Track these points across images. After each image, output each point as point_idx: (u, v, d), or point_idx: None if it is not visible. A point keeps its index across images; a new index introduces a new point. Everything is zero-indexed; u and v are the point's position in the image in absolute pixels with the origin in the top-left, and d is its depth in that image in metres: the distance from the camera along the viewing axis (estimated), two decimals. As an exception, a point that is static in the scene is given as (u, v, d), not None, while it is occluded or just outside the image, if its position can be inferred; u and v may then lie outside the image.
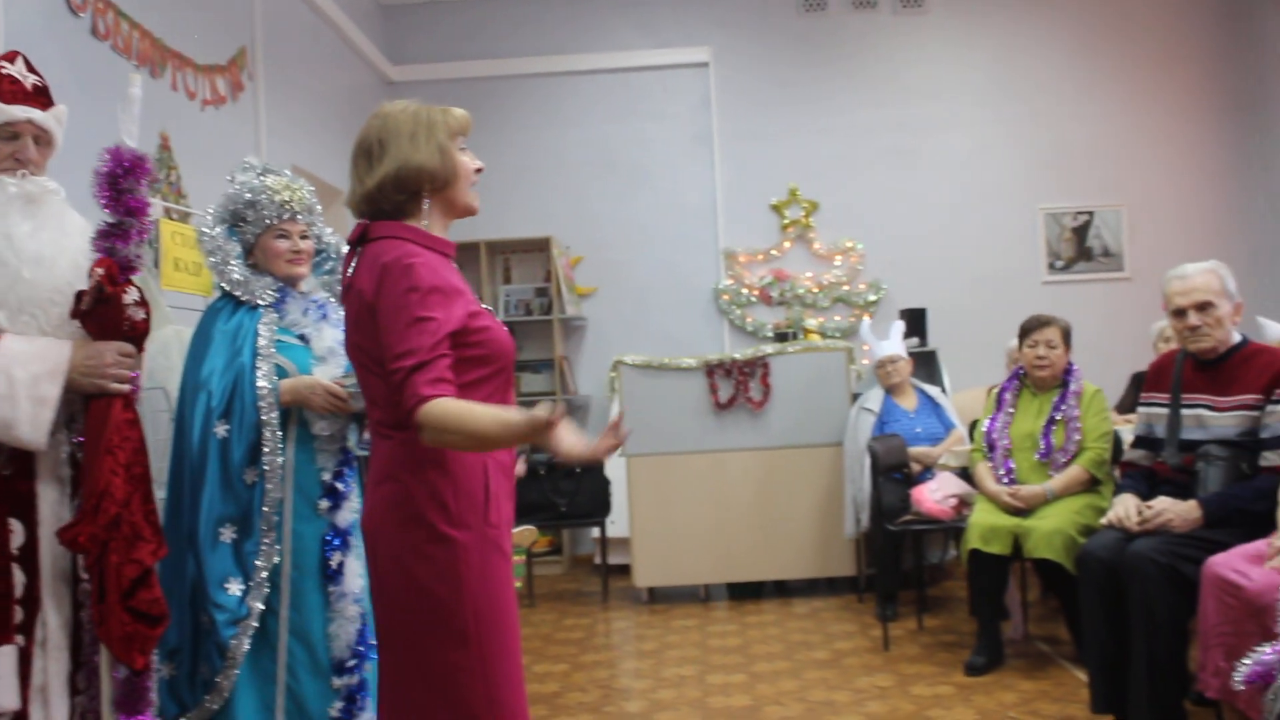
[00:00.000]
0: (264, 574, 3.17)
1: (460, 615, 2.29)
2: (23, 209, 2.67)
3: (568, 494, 7.20)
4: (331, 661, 3.25)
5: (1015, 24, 8.72)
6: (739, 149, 8.75)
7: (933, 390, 6.79)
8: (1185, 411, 4.05)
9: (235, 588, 3.14)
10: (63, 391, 2.57)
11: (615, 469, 7.31)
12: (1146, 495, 4.05)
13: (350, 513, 3.34)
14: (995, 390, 5.46)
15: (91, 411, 2.62)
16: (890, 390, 6.61)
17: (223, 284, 3.35)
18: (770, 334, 8.48)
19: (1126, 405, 6.50)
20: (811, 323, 8.55)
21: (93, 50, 4.55)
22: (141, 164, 2.68)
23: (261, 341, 3.27)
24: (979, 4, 8.74)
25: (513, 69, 8.83)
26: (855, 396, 6.87)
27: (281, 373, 3.27)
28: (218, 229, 3.35)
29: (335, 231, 3.66)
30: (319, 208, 3.52)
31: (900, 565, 6.33)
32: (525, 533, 6.60)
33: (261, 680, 3.18)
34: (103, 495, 2.55)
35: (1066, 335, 5.21)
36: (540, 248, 8.65)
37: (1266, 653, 2.44)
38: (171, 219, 4.48)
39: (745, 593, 7.09)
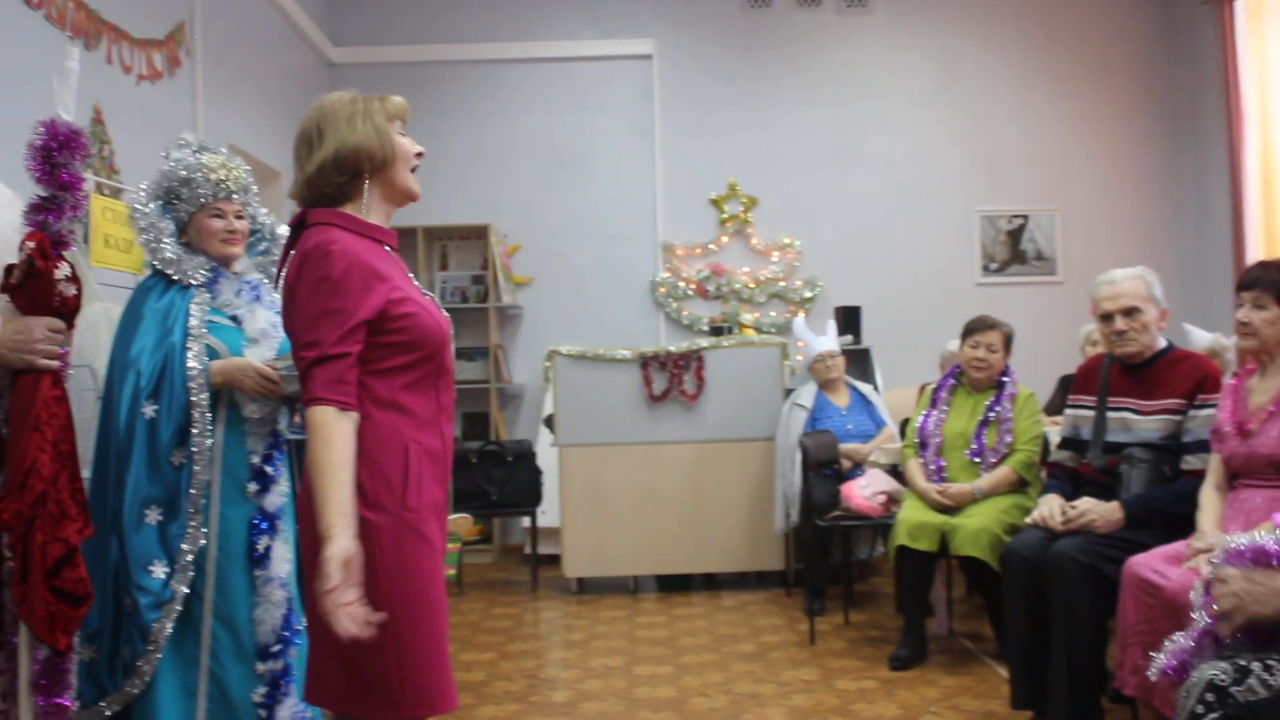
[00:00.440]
0: (189, 557, 3.13)
1: (372, 597, 2.25)
2: (-51, 181, 2.62)
3: (499, 483, 7.19)
4: (256, 646, 3.22)
5: (957, 28, 8.80)
6: (680, 142, 8.77)
7: (865, 388, 6.85)
8: (1111, 414, 4.12)
9: (159, 570, 3.10)
10: (-11, 366, 2.53)
11: (547, 459, 7.31)
12: (1071, 496, 4.11)
13: (279, 496, 3.31)
14: (930, 387, 5.52)
15: (19, 387, 2.58)
16: (823, 386, 6.66)
17: (154, 262, 3.29)
18: (706, 328, 8.51)
19: (1054, 407, 6.60)
20: (747, 317, 8.59)
21: (26, 20, 4.46)
22: (77, 138, 2.63)
23: (193, 322, 3.23)
24: (922, 6, 8.81)
25: (456, 54, 8.78)
26: (788, 392, 6.91)
27: (212, 354, 3.23)
28: (151, 206, 3.30)
29: (270, 212, 3.62)
30: (255, 188, 3.48)
31: (828, 560, 6.38)
32: (461, 520, 6.60)
33: (184, 664, 3.14)
34: (29, 472, 2.50)
35: (1008, 340, 5.28)
36: (478, 235, 8.62)
37: (1181, 642, 2.48)
38: (103, 194, 4.41)
39: (674, 585, 7.12)
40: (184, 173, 3.30)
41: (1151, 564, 3.39)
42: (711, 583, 7.19)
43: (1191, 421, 3.93)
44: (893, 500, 5.48)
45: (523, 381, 8.76)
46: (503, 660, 5.42)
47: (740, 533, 6.93)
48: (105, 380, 3.29)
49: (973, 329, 5.30)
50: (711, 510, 6.93)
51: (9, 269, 2.59)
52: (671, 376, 6.91)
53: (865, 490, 5.55)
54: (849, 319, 7.90)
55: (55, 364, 2.60)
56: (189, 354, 3.18)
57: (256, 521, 3.25)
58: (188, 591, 3.13)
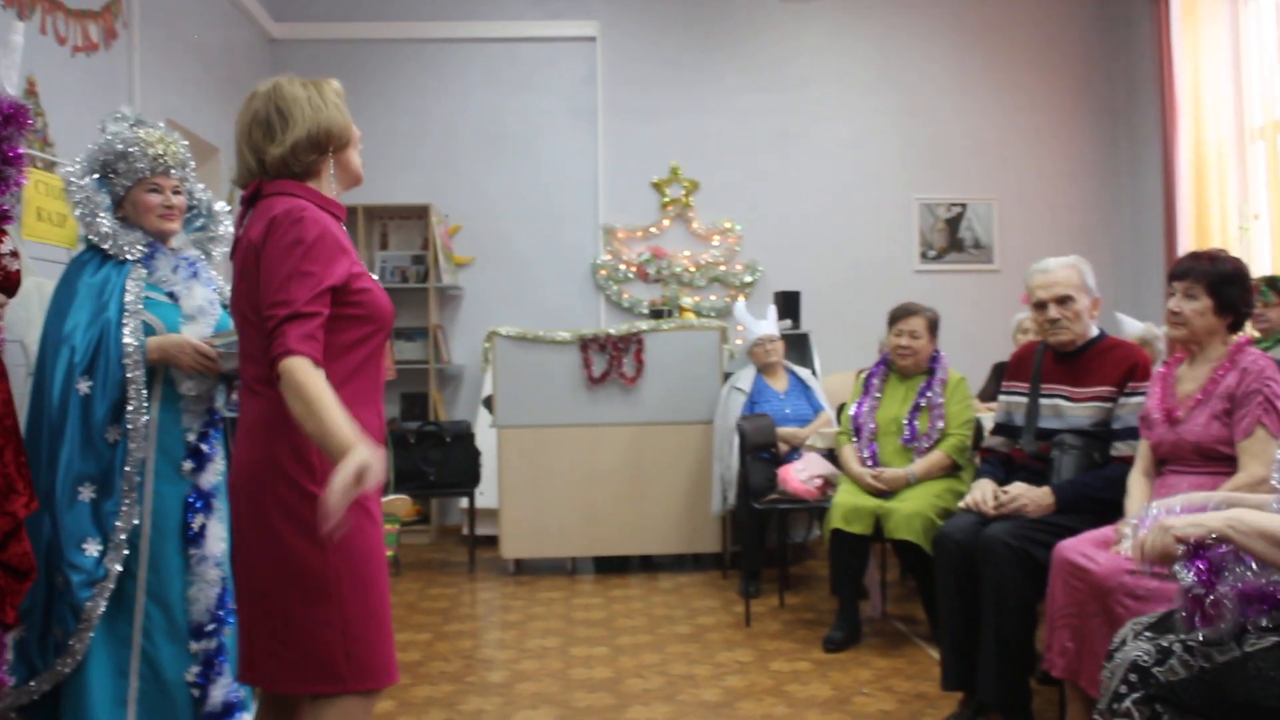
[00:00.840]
0: (123, 535, 3.11)
1: (322, 572, 2.32)
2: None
3: (437, 463, 7.17)
4: (190, 625, 3.21)
5: (900, 17, 8.86)
6: (622, 125, 8.76)
7: (803, 372, 6.90)
8: (1043, 401, 4.18)
9: (92, 548, 3.08)
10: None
11: (486, 440, 7.30)
12: (1004, 481, 4.16)
13: (214, 475, 3.29)
14: (864, 375, 5.57)
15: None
16: (762, 371, 6.69)
17: (90, 236, 3.26)
18: (646, 311, 8.52)
19: (988, 394, 6.69)
20: (687, 301, 8.62)
21: (-43, -12, 4.38)
22: (21, 113, 2.61)
23: (129, 297, 3.20)
24: (864, -6, 8.87)
25: (399, 32, 8.71)
26: (727, 376, 6.95)
27: (149, 330, 3.20)
28: (87, 179, 3.25)
29: (208, 188, 3.59)
30: (193, 163, 3.45)
31: (764, 543, 6.43)
32: (398, 502, 6.58)
33: (116, 644, 3.12)
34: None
35: (932, 325, 5.32)
36: (419, 215, 8.57)
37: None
38: (36, 167, 4.33)
39: (611, 567, 7.14)
40: (121, 146, 3.26)
41: (1080, 548, 3.44)
42: (648, 564, 7.22)
43: (1121, 409, 4.00)
44: (828, 484, 5.53)
45: (462, 362, 8.73)
46: (439, 641, 5.42)
47: (677, 515, 6.97)
48: (38, 356, 3.25)
49: (896, 317, 5.36)
50: (649, 492, 6.95)
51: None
52: (611, 359, 6.92)
53: (801, 474, 5.59)
54: (788, 304, 7.95)
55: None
56: (125, 330, 3.15)
57: (191, 500, 3.24)
58: (121, 570, 3.11)
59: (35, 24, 5.00)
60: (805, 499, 5.58)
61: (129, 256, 3.26)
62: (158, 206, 3.30)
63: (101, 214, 3.25)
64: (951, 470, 5.12)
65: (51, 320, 3.22)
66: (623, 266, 8.69)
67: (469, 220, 8.73)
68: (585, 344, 6.91)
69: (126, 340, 3.14)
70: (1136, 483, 3.67)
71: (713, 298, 8.70)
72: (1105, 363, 4.08)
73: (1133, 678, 2.34)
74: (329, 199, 2.51)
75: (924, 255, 8.84)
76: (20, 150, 2.61)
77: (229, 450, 3.34)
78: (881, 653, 5.08)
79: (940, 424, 5.16)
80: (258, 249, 2.36)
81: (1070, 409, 4.10)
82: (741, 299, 8.10)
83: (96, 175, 3.29)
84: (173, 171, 3.32)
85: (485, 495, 7.41)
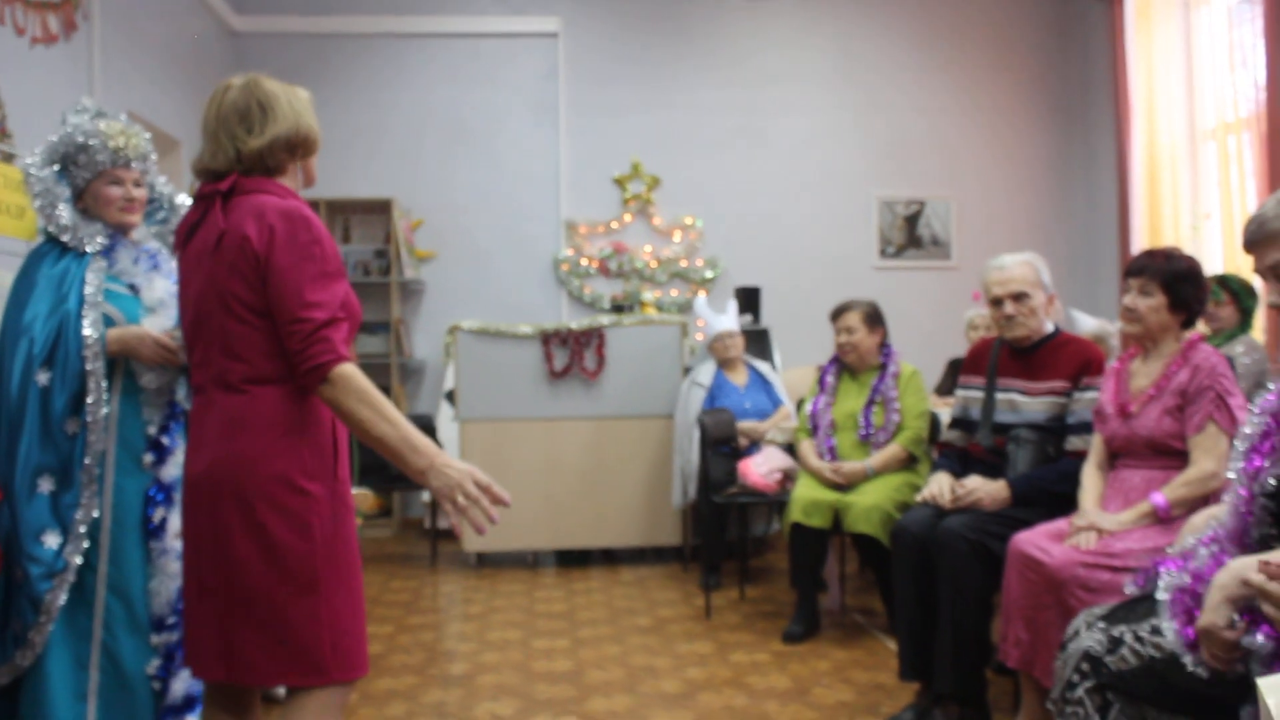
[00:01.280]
0: (83, 527, 3.10)
1: (311, 565, 2.34)
2: None
3: (399, 457, 7.13)
4: (150, 618, 3.20)
5: (861, 15, 8.91)
6: (584, 121, 8.77)
7: (763, 367, 6.93)
8: (999, 396, 4.23)
9: (52, 540, 3.07)
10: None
11: (448, 434, 7.30)
12: (960, 474, 4.21)
13: (175, 467, 3.27)
14: (820, 371, 5.62)
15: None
16: (722, 365, 6.73)
17: (49, 228, 3.24)
18: (607, 305, 8.54)
19: (944, 389, 6.75)
20: (648, 296, 8.64)
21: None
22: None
23: (89, 289, 3.18)
24: (825, -9, 8.92)
25: (362, 26, 8.68)
26: (687, 370, 6.98)
27: (109, 322, 3.19)
28: (47, 171, 3.24)
29: (170, 181, 3.58)
30: (154, 156, 3.44)
31: (725, 536, 6.46)
32: (362, 496, 6.56)
33: (76, 637, 3.11)
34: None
35: (869, 318, 5.37)
36: (381, 209, 8.55)
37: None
38: (-5, 159, 4.31)
39: (573, 560, 7.16)
40: (81, 139, 3.25)
41: (1035, 541, 3.49)
42: (610, 558, 7.25)
43: (1076, 404, 4.05)
44: (788, 478, 5.57)
45: (424, 356, 8.72)
46: (401, 633, 5.42)
47: (638, 508, 7.00)
48: (-5, 347, 3.23)
49: (834, 316, 5.43)
50: (610, 486, 6.98)
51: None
52: (572, 353, 6.93)
53: (761, 468, 5.63)
54: (749, 299, 7.99)
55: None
56: (85, 321, 3.14)
57: (152, 493, 3.23)
58: (81, 563, 3.10)
59: (-7, 14, 4.97)
60: (765, 493, 5.62)
61: (89, 249, 3.25)
62: (118, 199, 3.29)
63: (61, 206, 3.23)
64: (908, 463, 5.17)
65: (10, 311, 3.21)
66: (584, 261, 8.71)
67: (431, 214, 8.72)
68: (547, 338, 6.93)
69: (86, 332, 3.13)
70: (1090, 476, 3.73)
71: (674, 293, 8.73)
72: (1060, 358, 4.13)
73: (1085, 667, 2.38)
74: (300, 198, 2.51)
75: (883, 252, 8.90)
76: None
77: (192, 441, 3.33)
78: (840, 644, 5.13)
79: (896, 417, 5.22)
80: (259, 250, 2.33)
81: (1025, 403, 4.15)
82: (702, 294, 8.16)
83: (56, 167, 3.27)
84: (134, 164, 3.31)
85: (447, 489, 7.37)
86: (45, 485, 3.09)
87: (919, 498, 4.25)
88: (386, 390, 8.16)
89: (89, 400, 3.13)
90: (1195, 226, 7.18)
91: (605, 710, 4.24)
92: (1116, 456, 3.70)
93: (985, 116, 8.99)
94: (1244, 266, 6.27)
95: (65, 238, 3.23)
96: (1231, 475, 2.27)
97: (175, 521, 3.24)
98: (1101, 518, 3.45)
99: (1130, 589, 2.38)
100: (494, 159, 8.76)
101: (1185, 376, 3.53)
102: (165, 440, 3.28)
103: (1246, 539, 2.20)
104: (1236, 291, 5.37)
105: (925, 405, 5.29)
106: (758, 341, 7.62)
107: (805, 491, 5.15)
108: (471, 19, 8.75)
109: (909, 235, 8.92)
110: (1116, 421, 3.64)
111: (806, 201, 8.85)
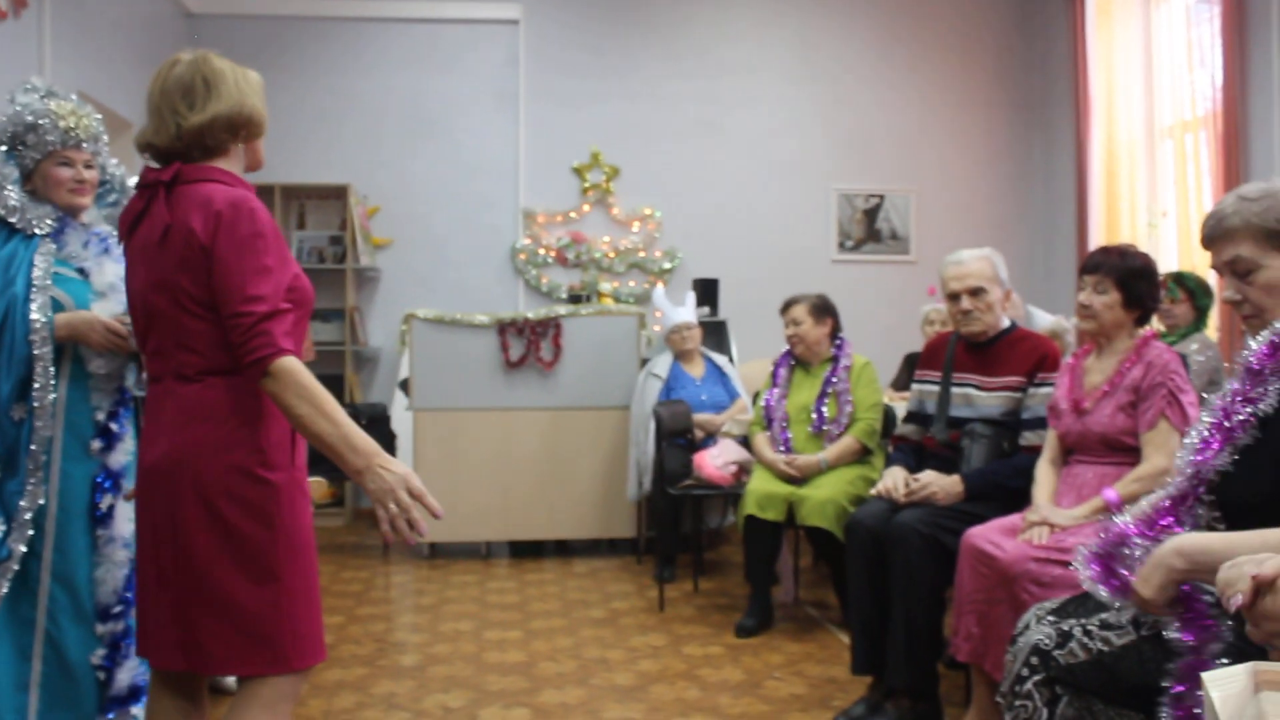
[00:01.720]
0: (28, 515, 3.05)
1: (271, 553, 2.33)
2: None
3: (352, 446, 7.08)
4: (96, 607, 3.16)
5: (821, 6, 8.91)
6: (544, 110, 8.73)
7: (720, 359, 6.94)
8: (955, 390, 4.24)
9: (-5, 528, 3.02)
10: None
11: (402, 423, 7.25)
12: (915, 468, 4.22)
13: (124, 454, 3.24)
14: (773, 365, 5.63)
15: None
16: (679, 357, 6.72)
17: (-4, 209, 3.19)
18: (564, 295, 8.52)
19: (900, 384, 6.77)
20: (606, 287, 8.62)
21: None
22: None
23: (37, 272, 3.13)
24: (787, -17, 8.91)
25: (319, 9, 8.60)
26: (644, 361, 6.97)
27: (58, 306, 3.14)
28: (-7, 151, 3.19)
29: (121, 163, 3.52)
30: (105, 137, 3.39)
31: (679, 529, 6.46)
32: (315, 484, 6.52)
33: (19, 626, 3.07)
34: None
35: (815, 309, 5.38)
36: (337, 195, 8.48)
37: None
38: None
39: (527, 551, 7.14)
40: (30, 118, 3.20)
41: (988, 535, 3.50)
42: (564, 549, 7.23)
43: (1030, 399, 4.06)
44: (743, 470, 5.57)
45: (379, 345, 8.66)
46: (351, 624, 5.38)
47: (593, 500, 6.98)
48: (-62, 331, 3.17)
49: (782, 310, 5.45)
50: (565, 477, 6.95)
51: None
52: (529, 343, 6.90)
53: (717, 460, 5.63)
54: (707, 291, 7.98)
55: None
56: (32, 305, 3.09)
57: (100, 480, 3.19)
58: (25, 550, 3.05)
59: (-59, -10, 4.87)
60: (720, 485, 5.62)
61: (38, 231, 3.19)
62: (68, 181, 3.23)
63: (9, 187, 3.18)
64: (863, 455, 5.19)
65: (-45, 296, 3.15)
66: (542, 251, 8.67)
67: (388, 201, 8.65)
68: (503, 328, 6.89)
69: (34, 316, 3.08)
70: (1044, 472, 3.75)
71: (631, 284, 8.71)
72: (1016, 353, 4.15)
73: (1034, 660, 2.39)
74: (247, 183, 2.47)
75: (842, 245, 8.91)
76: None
77: (139, 429, 3.29)
78: (793, 637, 5.14)
79: (849, 409, 5.23)
80: (202, 242, 2.30)
81: (981, 398, 4.16)
82: (660, 285, 8.14)
83: (4, 147, 3.22)
84: (84, 145, 3.26)
85: (400, 478, 7.33)
86: (-11, 472, 3.04)
87: (873, 491, 4.27)
88: (340, 379, 8.12)
89: (36, 386, 3.08)
90: (1152, 224, 7.24)
91: (557, 702, 4.22)
92: (1070, 452, 3.71)
93: (946, 111, 9.03)
94: (1200, 265, 6.34)
95: (13, 219, 3.18)
96: (1178, 462, 2.30)
97: (123, 508, 3.20)
98: (1054, 513, 3.46)
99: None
100: (453, 146, 8.70)
101: (1139, 373, 3.55)
102: (114, 426, 3.24)
103: (1181, 516, 2.23)
104: (1192, 290, 5.42)
105: (878, 397, 5.31)
106: (715, 333, 7.62)
107: (760, 484, 5.15)
108: (432, 4, 8.68)
109: (868, 229, 8.94)
110: (1070, 417, 3.66)
111: (766, 193, 8.85)
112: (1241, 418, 2.21)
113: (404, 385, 7.38)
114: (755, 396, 5.82)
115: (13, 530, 3.03)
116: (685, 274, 8.59)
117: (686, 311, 6.77)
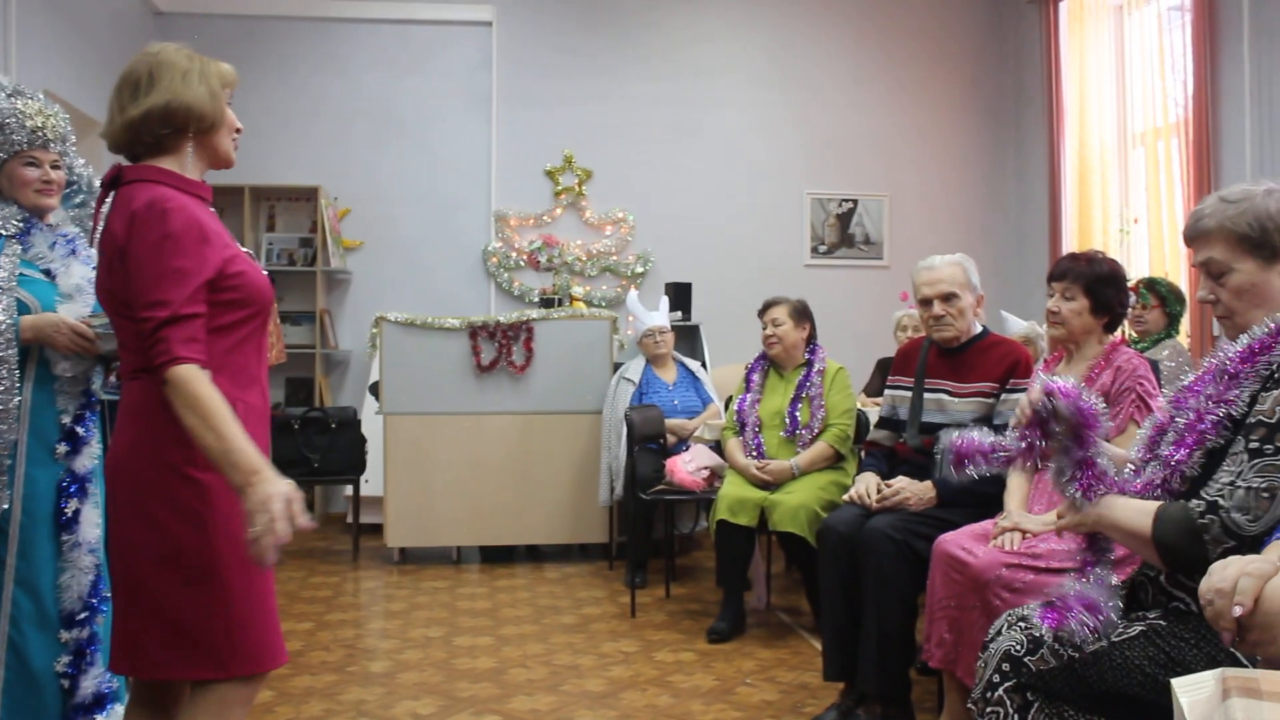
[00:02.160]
0: (-9, 520, 3.01)
1: (203, 555, 2.28)
2: None
3: (321, 450, 7.06)
4: (60, 614, 3.11)
5: (797, 11, 8.93)
6: (517, 112, 8.71)
7: (693, 364, 6.93)
8: (927, 396, 4.24)
9: (-43, 534, 2.98)
10: None
11: (372, 427, 7.21)
12: (887, 474, 4.22)
13: (90, 458, 3.20)
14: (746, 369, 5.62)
15: None
16: (652, 362, 6.71)
17: (-41, 210, 3.15)
18: (536, 299, 8.49)
19: (873, 389, 6.78)
20: (578, 290, 8.60)
21: None
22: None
23: (2, 274, 3.08)
24: (761, -13, 8.92)
25: (290, 9, 8.56)
26: (617, 366, 6.95)
27: (23, 308, 3.09)
28: (-43, 151, 3.14)
29: (89, 164, 3.48)
30: (73, 137, 3.35)
31: (651, 534, 6.45)
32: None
33: (-20, 633, 3.03)
34: None
35: (796, 313, 5.39)
36: (307, 197, 8.44)
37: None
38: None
39: (497, 556, 7.10)
40: (-4, 117, 3.15)
41: (960, 541, 3.50)
42: (535, 554, 7.20)
43: (1003, 404, 4.06)
44: (716, 475, 5.56)
45: (349, 348, 8.62)
46: (320, 630, 5.34)
47: (564, 505, 6.95)
48: (-100, 333, 3.12)
49: (761, 311, 5.44)
50: (536, 482, 6.92)
51: None
52: (500, 347, 6.87)
53: (689, 465, 5.61)
54: (680, 295, 7.97)
55: None
56: (-4, 307, 3.04)
57: (65, 484, 3.14)
58: (-12, 556, 3.01)
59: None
60: (692, 490, 5.60)
61: (3, 232, 3.15)
62: (35, 181, 3.19)
63: (-27, 187, 3.14)
64: (835, 461, 5.18)
65: (-84, 296, 3.10)
66: (514, 254, 8.65)
67: (359, 203, 8.61)
68: (474, 331, 6.86)
69: (-2, 318, 3.04)
70: (1016, 478, 3.74)
71: (604, 287, 8.69)
72: (988, 359, 4.15)
73: (1005, 667, 2.38)
74: (192, 181, 2.41)
75: (815, 250, 8.92)
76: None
77: (106, 433, 3.25)
78: (765, 643, 5.12)
79: (821, 415, 5.22)
80: (121, 245, 2.27)
81: (953, 404, 4.16)
82: (633, 289, 8.13)
83: (-31, 147, 3.17)
84: (51, 145, 3.22)
85: (370, 483, 7.32)
86: (-49, 477, 3.00)
87: (845, 497, 4.26)
88: (310, 382, 8.07)
89: (0, 389, 3.03)
90: (1124, 231, 7.28)
91: (528, 709, 4.19)
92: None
93: (920, 115, 9.05)
94: (1172, 271, 6.37)
95: (-23, 220, 3.13)
96: (1145, 457, 2.32)
97: (89, 513, 3.16)
98: (1025, 519, 3.46)
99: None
100: (424, 148, 8.67)
101: (1108, 379, 3.56)
102: (80, 430, 3.20)
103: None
104: (1164, 296, 5.44)
105: (851, 403, 5.31)
106: (688, 338, 7.61)
107: (732, 490, 5.14)
108: (404, 5, 8.66)
109: (841, 234, 8.95)
110: (1041, 423, 3.65)
111: (739, 197, 8.85)
112: (1215, 419, 2.23)
113: (374, 389, 7.35)
114: (728, 401, 5.81)
115: (-25, 536, 2.99)
116: (658, 278, 8.58)
117: (659, 316, 6.76)
